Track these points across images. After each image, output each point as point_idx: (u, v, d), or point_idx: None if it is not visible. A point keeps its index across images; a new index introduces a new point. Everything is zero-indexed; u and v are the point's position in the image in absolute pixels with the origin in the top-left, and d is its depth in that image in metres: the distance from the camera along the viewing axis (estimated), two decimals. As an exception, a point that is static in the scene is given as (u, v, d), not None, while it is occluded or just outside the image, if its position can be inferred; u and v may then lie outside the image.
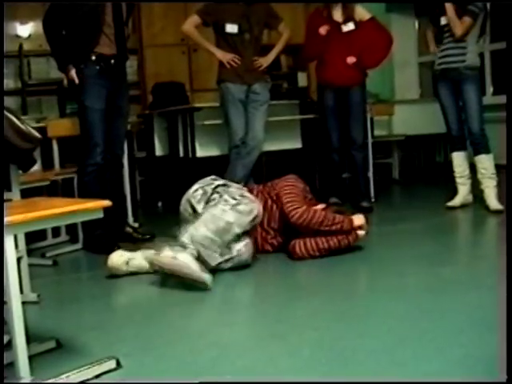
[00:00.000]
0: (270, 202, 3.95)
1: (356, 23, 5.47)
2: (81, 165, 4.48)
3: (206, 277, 3.21)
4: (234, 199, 3.61)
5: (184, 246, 3.36)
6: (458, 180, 5.26)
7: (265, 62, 5.47)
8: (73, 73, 4.36)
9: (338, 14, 5.48)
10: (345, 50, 5.47)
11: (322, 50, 5.52)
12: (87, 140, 4.38)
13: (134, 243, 4.54)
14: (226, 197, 3.64)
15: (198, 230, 3.43)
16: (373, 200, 5.83)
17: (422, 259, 3.72)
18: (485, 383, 2.00)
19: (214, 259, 3.42)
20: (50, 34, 4.40)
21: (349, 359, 2.21)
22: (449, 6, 4.91)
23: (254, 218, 3.62)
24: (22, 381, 1.95)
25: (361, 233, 3.87)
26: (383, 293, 3.05)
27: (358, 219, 3.86)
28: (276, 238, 3.95)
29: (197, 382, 2.07)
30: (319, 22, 5.49)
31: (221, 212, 3.52)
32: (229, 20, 5.26)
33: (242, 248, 3.62)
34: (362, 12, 5.51)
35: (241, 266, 3.60)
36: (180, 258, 3.23)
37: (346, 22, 5.47)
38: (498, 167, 5.06)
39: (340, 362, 2.19)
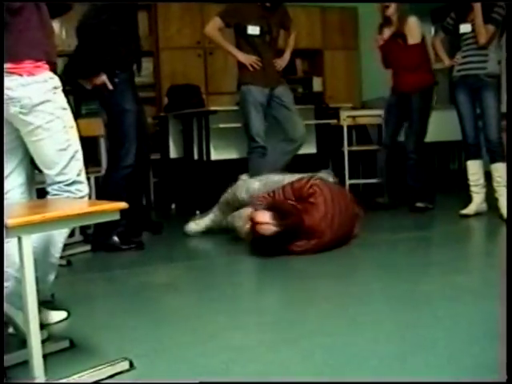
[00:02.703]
0: None
1: (405, 40, 5.57)
2: (115, 166, 4.53)
3: None
4: None
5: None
6: (472, 188, 5.25)
7: (282, 62, 5.59)
8: (104, 78, 4.42)
9: (387, 32, 5.63)
10: (400, 59, 5.64)
11: (387, 62, 5.84)
12: (124, 141, 4.47)
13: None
14: None
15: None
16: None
17: (435, 267, 3.71)
18: (485, 383, 2.00)
19: None
20: (83, 43, 4.46)
21: (361, 365, 2.21)
22: (478, 13, 4.90)
23: None
24: (37, 380, 1.97)
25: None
26: (396, 299, 3.05)
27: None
28: None
29: (197, 381, 2.08)
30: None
31: None
32: (250, 22, 5.32)
33: None
34: (413, 32, 5.59)
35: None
36: None
37: (396, 37, 5.61)
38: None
39: (352, 368, 2.19)
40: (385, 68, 6.02)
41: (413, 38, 5.55)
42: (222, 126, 5.81)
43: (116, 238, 4.61)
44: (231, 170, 5.82)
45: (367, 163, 7.48)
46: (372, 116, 6.60)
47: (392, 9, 5.52)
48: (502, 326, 2.16)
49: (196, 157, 6.09)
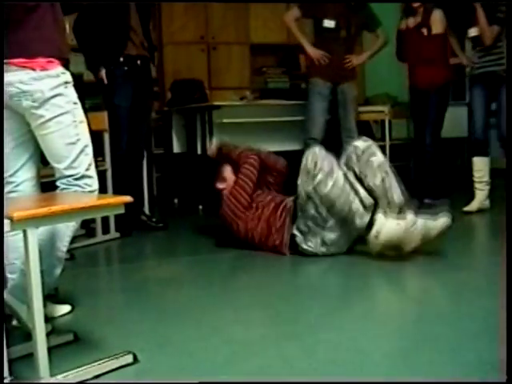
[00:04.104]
0: None
1: (430, 30, 5.58)
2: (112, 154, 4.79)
3: None
4: None
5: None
6: (476, 185, 5.25)
7: (356, 60, 5.66)
8: (103, 73, 4.72)
9: (412, 21, 5.66)
10: (423, 54, 5.63)
11: (405, 54, 5.84)
12: (115, 133, 4.72)
13: (147, 231, 4.96)
14: None
15: None
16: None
17: (438, 263, 3.71)
18: (485, 383, 2.01)
19: None
20: (80, 40, 4.77)
21: (364, 361, 2.22)
22: (480, 15, 4.93)
23: None
24: (42, 381, 1.98)
25: None
26: (399, 296, 3.06)
27: None
28: None
29: (197, 382, 2.08)
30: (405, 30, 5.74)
31: None
32: (327, 15, 5.44)
33: None
34: (437, 23, 5.60)
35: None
36: None
37: (420, 27, 5.61)
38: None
39: (355, 364, 2.20)
40: (400, 61, 6.04)
41: (437, 28, 5.58)
42: (225, 120, 5.81)
43: (144, 217, 5.04)
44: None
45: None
46: (375, 112, 6.59)
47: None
48: (502, 325, 2.16)
49: (199, 152, 6.08)
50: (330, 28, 5.47)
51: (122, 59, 4.72)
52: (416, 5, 5.56)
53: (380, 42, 5.73)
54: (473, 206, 5.24)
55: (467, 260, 3.86)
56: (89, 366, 2.15)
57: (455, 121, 5.87)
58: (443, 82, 5.68)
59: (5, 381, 1.94)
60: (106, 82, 4.73)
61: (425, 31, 5.59)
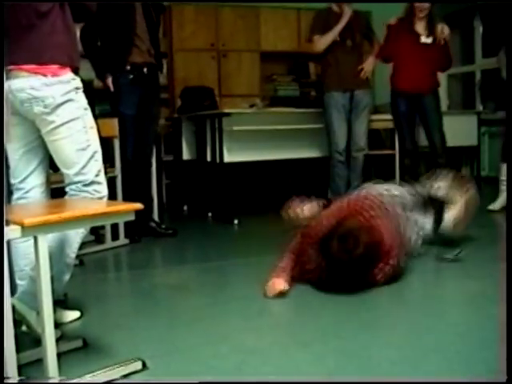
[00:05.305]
0: None
1: (435, 39, 5.58)
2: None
3: None
4: None
5: None
6: (502, 186, 5.62)
7: (367, 66, 5.70)
8: (109, 81, 4.76)
9: (420, 27, 5.60)
10: (420, 59, 5.58)
11: (393, 53, 5.66)
12: (122, 141, 4.76)
13: (156, 237, 4.96)
14: None
15: None
16: None
17: (448, 271, 3.70)
18: (485, 383, 2.01)
19: None
20: (87, 48, 4.77)
21: (373, 369, 2.21)
22: None
23: None
24: (51, 381, 1.98)
25: None
26: (408, 304, 3.05)
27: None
28: None
29: (196, 381, 2.08)
30: (400, 30, 5.63)
31: None
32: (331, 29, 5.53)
33: None
34: (442, 32, 5.58)
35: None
36: None
37: (426, 35, 5.60)
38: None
39: (364, 372, 2.19)
40: (385, 57, 5.84)
41: (441, 38, 5.59)
42: (235, 128, 5.80)
43: (153, 224, 5.06)
44: (244, 173, 5.83)
45: (380, 168, 7.46)
46: (384, 120, 6.58)
47: (426, 10, 5.53)
48: (502, 326, 2.15)
49: (209, 159, 6.08)
50: (335, 40, 5.55)
51: (128, 67, 4.74)
52: (421, 15, 5.53)
53: (377, 47, 5.80)
54: (496, 205, 5.60)
55: (477, 268, 3.79)
56: (97, 372, 2.15)
57: (464, 129, 5.83)
58: (437, 87, 5.74)
59: (14, 380, 1.94)
60: (112, 89, 4.76)
61: (430, 39, 5.58)
